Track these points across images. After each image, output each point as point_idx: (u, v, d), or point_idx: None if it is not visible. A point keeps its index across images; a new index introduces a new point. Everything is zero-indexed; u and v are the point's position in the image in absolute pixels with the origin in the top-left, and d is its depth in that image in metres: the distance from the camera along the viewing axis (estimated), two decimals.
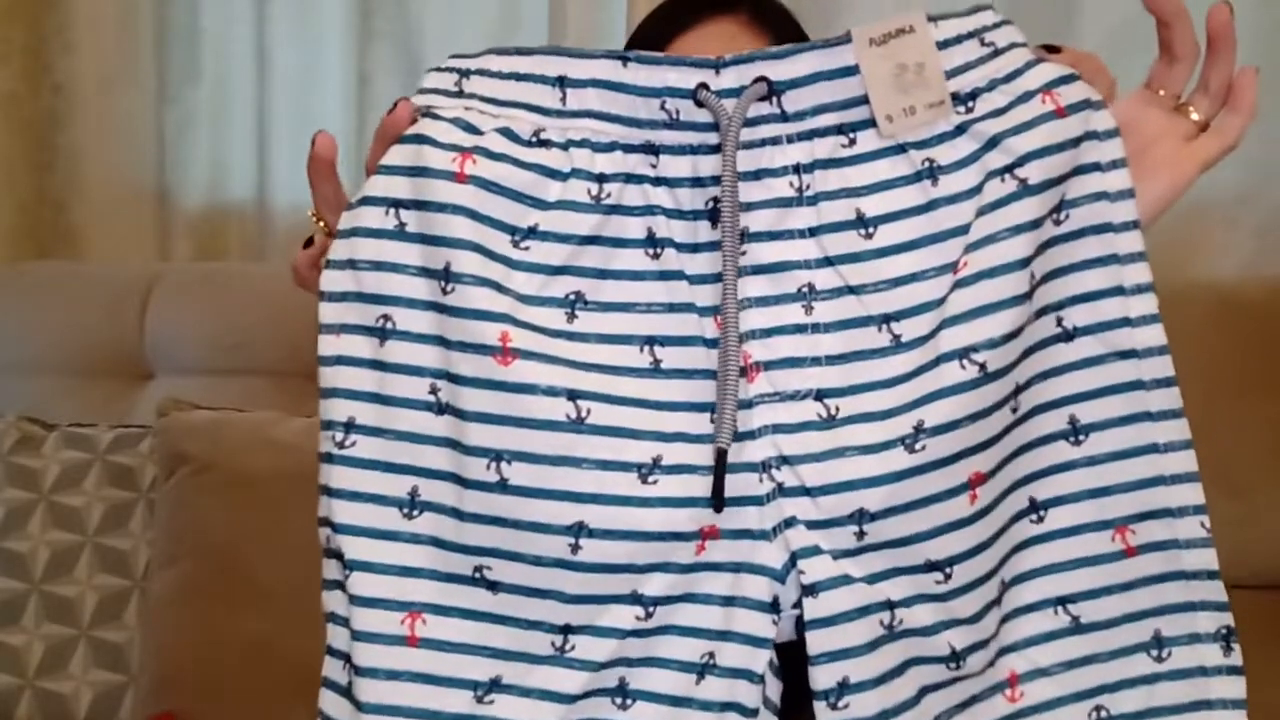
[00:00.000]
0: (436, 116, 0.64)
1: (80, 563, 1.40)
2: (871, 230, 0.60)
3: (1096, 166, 0.61)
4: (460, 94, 0.64)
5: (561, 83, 0.62)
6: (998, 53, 0.62)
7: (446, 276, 0.60)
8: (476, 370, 0.60)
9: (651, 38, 0.91)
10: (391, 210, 0.62)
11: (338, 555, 0.62)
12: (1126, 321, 0.61)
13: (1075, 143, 0.61)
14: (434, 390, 0.61)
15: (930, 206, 0.60)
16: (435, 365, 0.61)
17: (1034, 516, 0.61)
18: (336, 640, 0.62)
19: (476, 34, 1.81)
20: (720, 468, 0.58)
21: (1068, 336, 0.61)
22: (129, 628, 1.40)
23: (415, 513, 0.61)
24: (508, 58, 0.64)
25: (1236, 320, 1.34)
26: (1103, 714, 0.60)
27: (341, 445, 0.62)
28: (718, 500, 0.58)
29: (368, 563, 0.61)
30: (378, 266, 0.62)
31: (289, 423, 1.41)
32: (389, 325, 0.61)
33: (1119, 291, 0.61)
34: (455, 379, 0.60)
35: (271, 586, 1.34)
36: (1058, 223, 0.61)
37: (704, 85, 0.60)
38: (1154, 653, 0.62)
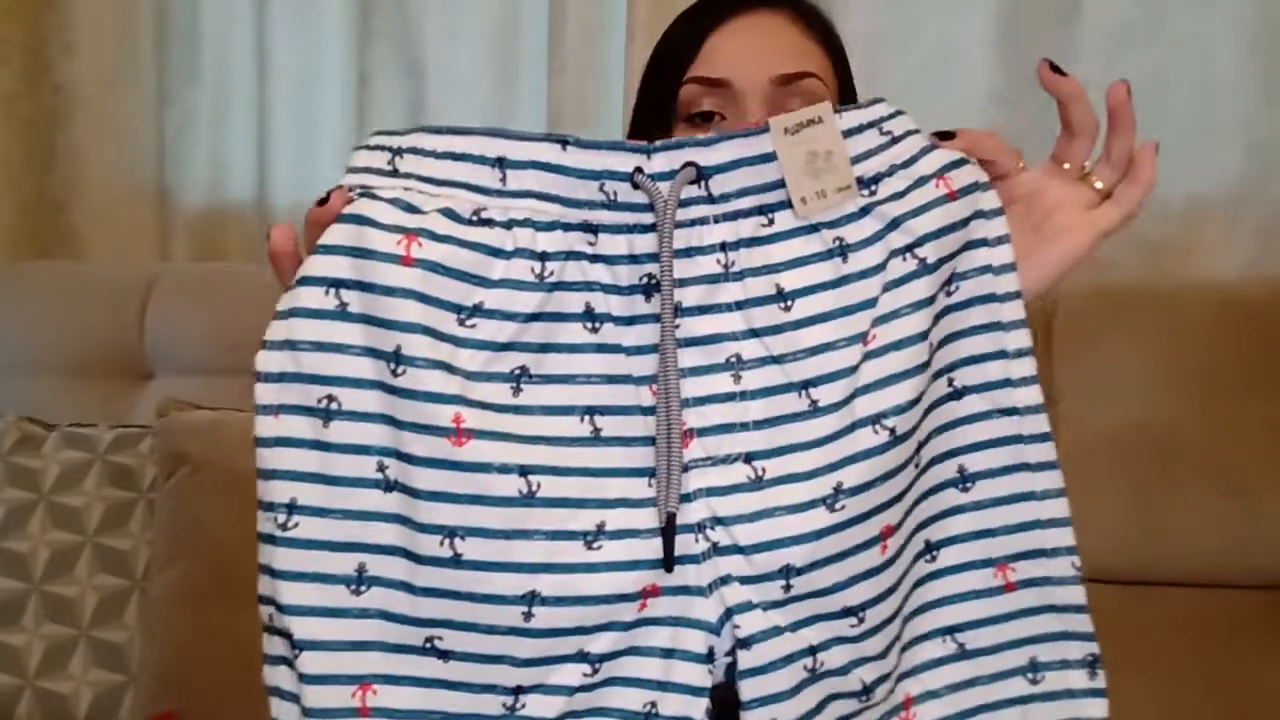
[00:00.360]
0: (375, 196, 0.64)
1: (80, 563, 1.40)
2: (790, 303, 0.65)
3: (984, 242, 0.68)
4: (395, 173, 0.65)
5: (501, 163, 0.64)
6: (895, 140, 0.68)
7: (397, 359, 0.62)
8: (430, 451, 0.62)
9: (689, 31, 0.90)
10: (332, 290, 0.63)
11: (284, 634, 0.63)
12: (1008, 382, 0.68)
13: (965, 222, 0.67)
14: (381, 468, 0.63)
15: (841, 282, 0.66)
16: (382, 444, 0.63)
17: (928, 556, 0.69)
18: (283, 714, 0.63)
19: (476, 34, 1.81)
20: (670, 531, 0.62)
21: (958, 395, 0.68)
22: (129, 628, 1.40)
23: (363, 588, 0.63)
24: (442, 137, 0.65)
25: (1236, 320, 1.34)
26: None
27: (284, 527, 0.63)
28: (668, 562, 0.62)
29: (316, 641, 0.62)
30: (319, 347, 0.63)
31: None
32: (334, 406, 0.63)
33: (1002, 355, 0.68)
34: (408, 458, 0.62)
35: None
36: (949, 294, 0.68)
37: (639, 169, 0.64)
38: (1030, 676, 0.69)
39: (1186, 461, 1.30)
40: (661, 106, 0.89)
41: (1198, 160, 1.52)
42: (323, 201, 0.65)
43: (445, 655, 0.63)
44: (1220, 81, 1.50)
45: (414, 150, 0.65)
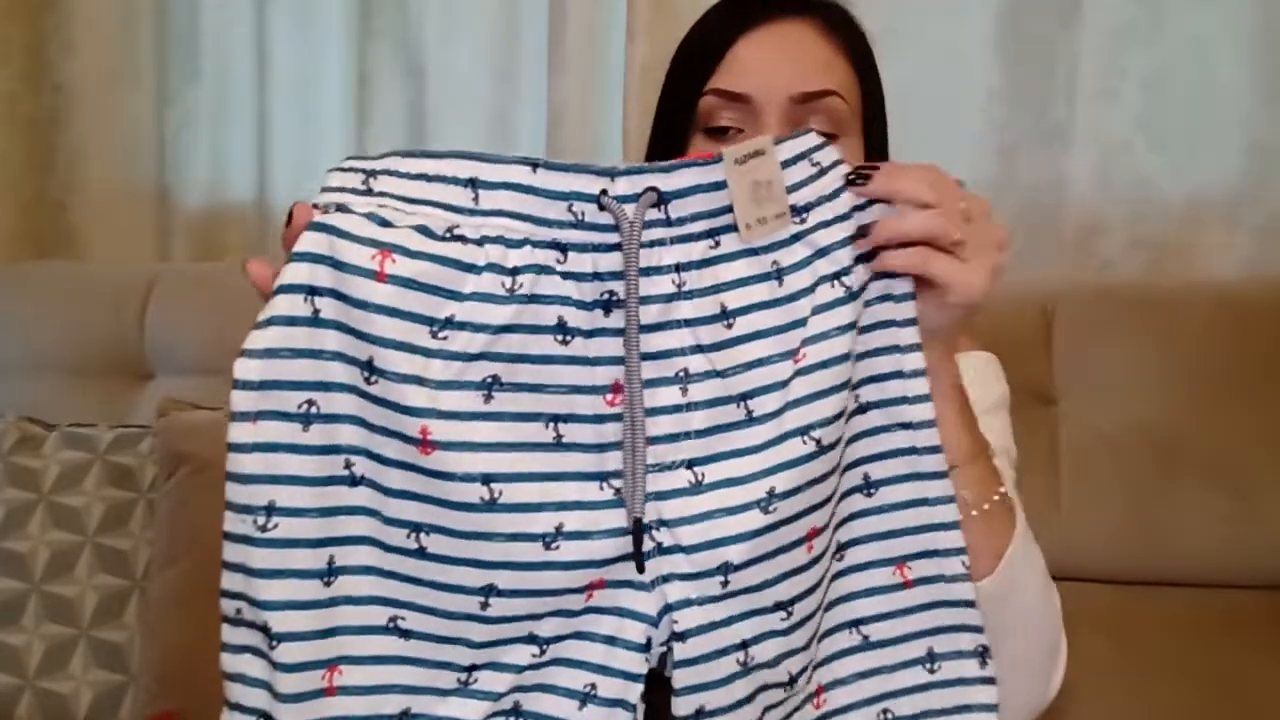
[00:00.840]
0: (348, 210, 0.66)
1: (80, 563, 1.41)
2: (732, 321, 0.70)
3: (890, 274, 0.73)
4: (369, 192, 0.67)
5: (474, 184, 0.67)
6: (823, 171, 0.72)
7: (370, 369, 0.65)
8: (400, 454, 0.65)
9: (713, 37, 0.89)
10: (308, 297, 0.65)
11: (259, 627, 0.66)
12: (905, 399, 0.74)
13: (872, 254, 0.73)
14: (349, 465, 0.66)
15: (777, 303, 0.70)
16: (352, 442, 0.66)
17: (838, 556, 0.74)
18: (249, 699, 0.67)
19: (476, 34, 1.81)
20: (638, 533, 0.67)
21: (862, 410, 0.74)
22: (129, 628, 1.40)
23: (332, 579, 0.67)
24: (415, 160, 0.67)
25: (1236, 320, 1.34)
26: (888, 715, 0.75)
27: (264, 529, 0.66)
28: (639, 562, 0.67)
29: (292, 633, 0.66)
30: (297, 354, 0.66)
31: None
32: (313, 410, 0.66)
33: (899, 375, 0.73)
34: (378, 458, 0.66)
35: None
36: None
37: (604, 191, 0.67)
38: (927, 665, 0.75)
39: (1186, 461, 1.30)
40: (681, 114, 0.89)
41: (1198, 160, 1.52)
42: (288, 223, 0.67)
43: (406, 634, 0.67)
44: (1220, 81, 1.50)
45: (388, 172, 0.67)
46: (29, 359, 1.67)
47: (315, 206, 0.66)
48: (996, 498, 0.78)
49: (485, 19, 1.81)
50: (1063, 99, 1.55)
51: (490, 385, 0.66)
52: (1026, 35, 1.56)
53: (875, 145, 0.93)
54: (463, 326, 0.65)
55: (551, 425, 0.67)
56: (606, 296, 0.68)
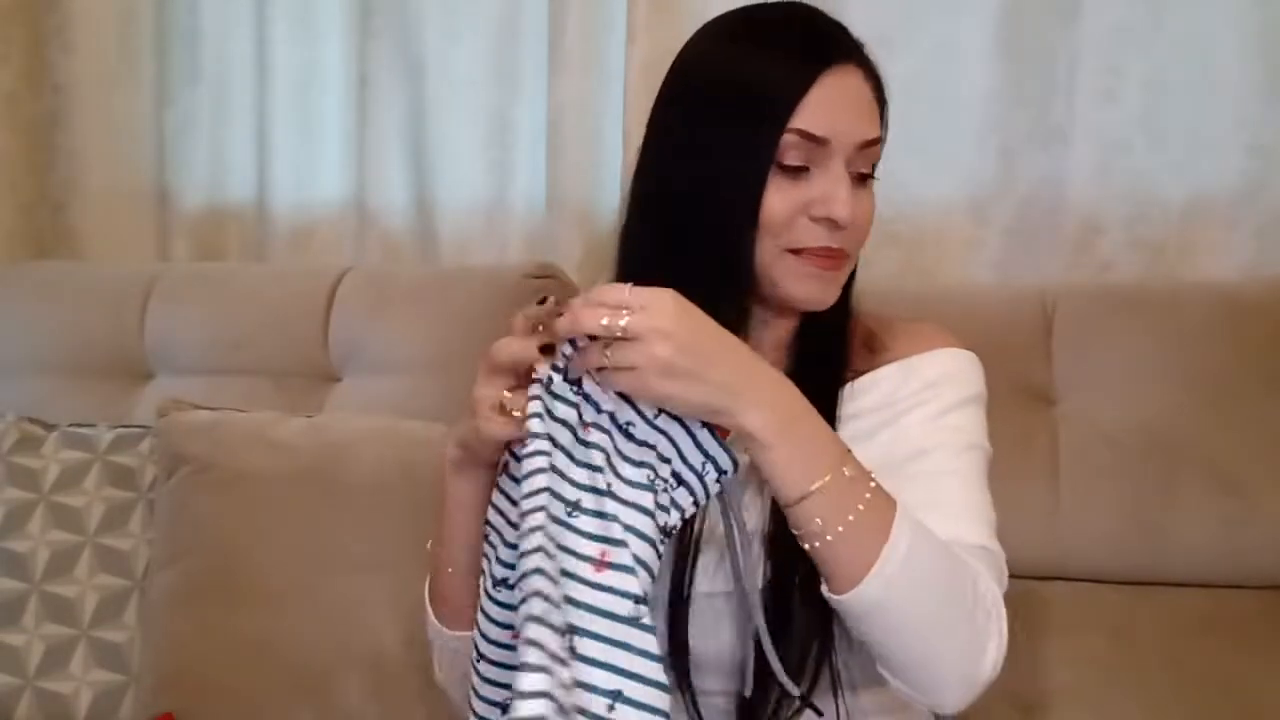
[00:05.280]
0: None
1: (80, 563, 1.40)
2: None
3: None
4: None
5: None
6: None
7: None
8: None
9: (790, 77, 0.90)
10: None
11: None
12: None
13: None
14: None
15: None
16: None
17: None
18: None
19: (476, 34, 1.81)
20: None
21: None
22: (129, 628, 1.40)
23: None
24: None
25: (1236, 320, 1.34)
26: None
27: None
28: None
29: None
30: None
31: (289, 423, 1.41)
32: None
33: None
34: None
35: (271, 586, 1.34)
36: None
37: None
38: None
39: (1186, 461, 1.30)
40: (765, 149, 0.89)
41: (1198, 160, 1.52)
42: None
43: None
44: (1220, 81, 1.50)
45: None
46: (29, 359, 1.67)
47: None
48: (864, 501, 0.79)
49: (485, 19, 1.81)
50: (1063, 99, 1.55)
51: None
52: (1026, 35, 1.56)
53: None
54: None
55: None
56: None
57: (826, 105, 0.90)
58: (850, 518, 0.78)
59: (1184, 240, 1.53)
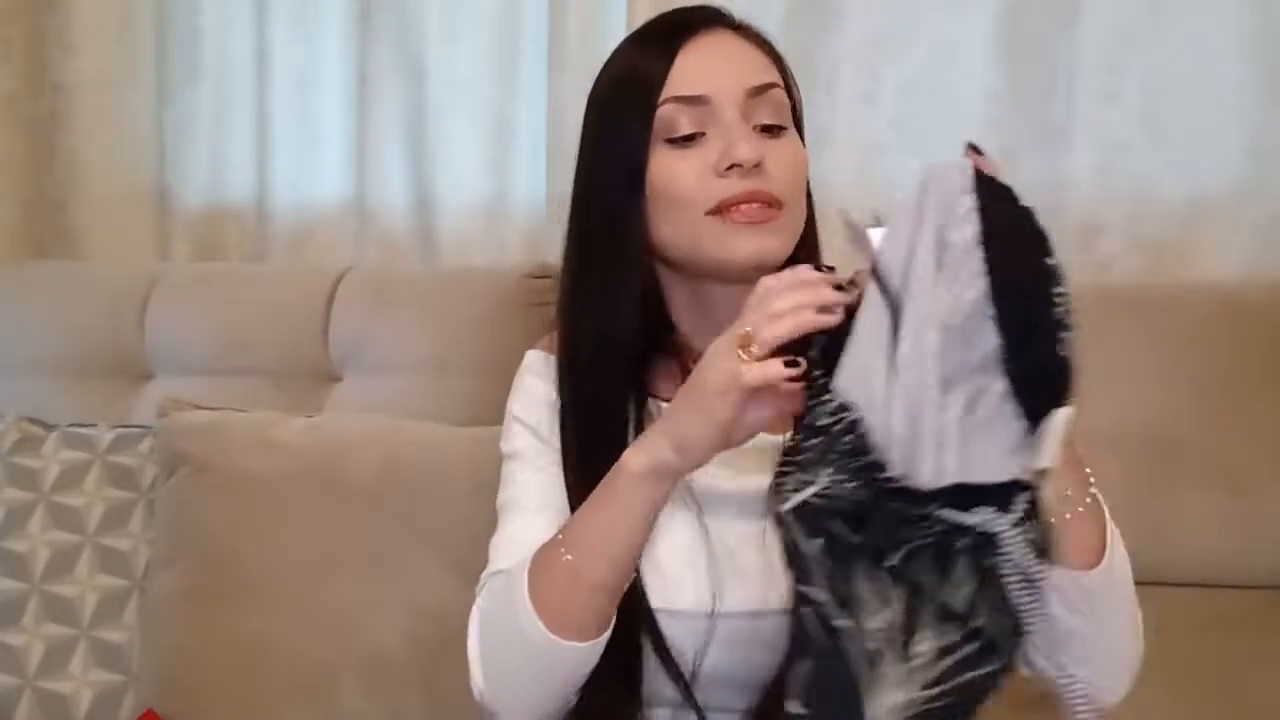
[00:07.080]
0: None
1: (80, 563, 1.40)
2: None
3: None
4: None
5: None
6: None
7: None
8: None
9: (652, 55, 0.95)
10: None
11: None
12: None
13: None
14: None
15: None
16: None
17: None
18: None
19: (476, 34, 1.81)
20: None
21: None
22: (129, 628, 1.40)
23: None
24: None
25: (1236, 320, 1.34)
26: None
27: None
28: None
29: None
30: None
31: (289, 423, 1.41)
32: None
33: None
34: None
35: (271, 586, 1.34)
36: None
37: None
38: None
39: (1186, 461, 1.30)
40: (636, 132, 0.93)
41: (1198, 160, 1.52)
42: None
43: None
44: (1220, 81, 1.50)
45: None
46: (29, 359, 1.67)
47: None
48: (1089, 499, 0.85)
49: (485, 19, 1.81)
50: (1063, 99, 1.55)
51: None
52: (1026, 35, 1.55)
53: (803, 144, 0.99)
54: None
55: None
56: None
57: (696, 67, 0.92)
58: (1092, 492, 0.84)
59: (1184, 240, 1.53)
